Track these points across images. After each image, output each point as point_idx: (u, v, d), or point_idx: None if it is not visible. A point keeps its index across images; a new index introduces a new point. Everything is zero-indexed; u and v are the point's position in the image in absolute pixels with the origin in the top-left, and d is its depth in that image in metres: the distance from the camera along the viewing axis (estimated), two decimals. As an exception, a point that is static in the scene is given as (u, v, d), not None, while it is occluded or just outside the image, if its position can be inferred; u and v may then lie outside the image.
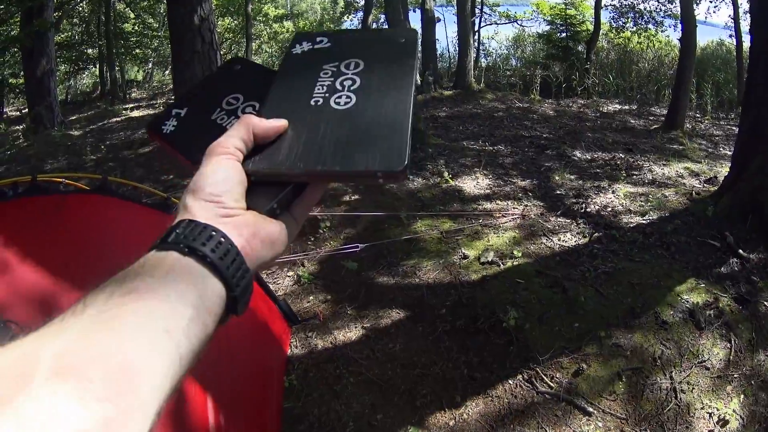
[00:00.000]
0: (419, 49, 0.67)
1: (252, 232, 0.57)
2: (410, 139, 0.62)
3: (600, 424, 2.88)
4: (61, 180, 3.29)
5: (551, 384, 3.10)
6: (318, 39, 0.80)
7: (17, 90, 15.40)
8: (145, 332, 0.43)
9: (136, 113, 11.49)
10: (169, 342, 0.45)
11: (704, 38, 13.52)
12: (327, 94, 0.69)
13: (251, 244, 0.56)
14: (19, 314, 1.75)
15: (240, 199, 0.58)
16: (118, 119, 10.93)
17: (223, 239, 0.53)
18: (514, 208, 5.24)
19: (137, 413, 0.40)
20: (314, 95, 0.70)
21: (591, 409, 2.94)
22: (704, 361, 3.24)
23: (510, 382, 3.12)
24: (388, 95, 0.67)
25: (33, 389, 0.36)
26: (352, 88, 0.70)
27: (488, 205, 5.36)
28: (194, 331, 0.47)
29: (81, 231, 2.36)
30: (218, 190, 0.57)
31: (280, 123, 0.65)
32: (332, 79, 0.72)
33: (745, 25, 11.71)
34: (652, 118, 10.06)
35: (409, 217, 4.86)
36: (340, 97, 0.69)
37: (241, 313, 0.55)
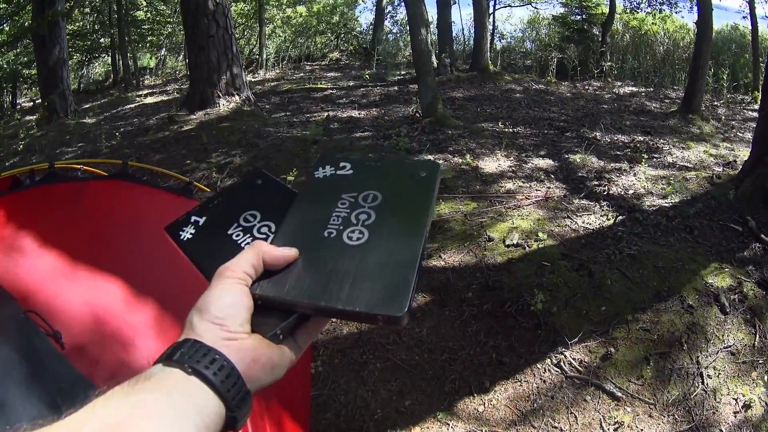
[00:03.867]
0: (438, 183, 0.73)
1: (253, 357, 0.60)
2: (415, 286, 0.64)
3: (629, 409, 2.86)
4: (79, 166, 3.27)
5: (579, 368, 3.07)
6: (341, 164, 0.82)
7: (30, 81, 15.50)
8: None
9: (150, 99, 11.46)
10: None
11: (718, 21, 13.33)
12: (341, 227, 0.72)
13: (252, 369, 0.60)
14: (40, 303, 1.74)
15: (245, 324, 0.62)
16: (131, 106, 10.91)
17: (225, 363, 0.57)
18: (536, 189, 5.19)
19: None
20: (329, 226, 0.73)
21: (620, 394, 2.92)
22: (729, 346, 3.21)
23: (539, 366, 3.09)
24: (399, 238, 0.70)
25: None
26: (366, 223, 0.72)
27: (511, 186, 5.30)
28: None
29: (101, 217, 2.32)
30: (224, 314, 0.61)
31: (290, 253, 0.68)
32: (348, 210, 0.74)
33: (760, 9, 11.55)
34: (667, 101, 9.98)
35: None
36: (353, 231, 0.71)
37: (239, 428, 0.59)
